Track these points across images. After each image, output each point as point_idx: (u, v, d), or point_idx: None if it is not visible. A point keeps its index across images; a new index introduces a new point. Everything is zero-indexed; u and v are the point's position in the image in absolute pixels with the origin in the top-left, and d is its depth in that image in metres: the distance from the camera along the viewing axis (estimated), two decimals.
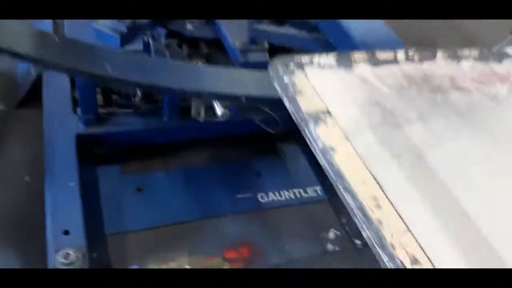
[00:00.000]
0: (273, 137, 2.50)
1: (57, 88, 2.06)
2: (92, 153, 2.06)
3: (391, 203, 0.77)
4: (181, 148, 2.28)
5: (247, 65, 1.61)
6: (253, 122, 2.03)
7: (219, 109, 1.62)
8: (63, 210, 1.64)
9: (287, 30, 1.89)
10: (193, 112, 1.74)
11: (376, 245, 0.69)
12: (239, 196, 2.17)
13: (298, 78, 1.05)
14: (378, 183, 0.80)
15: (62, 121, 1.95)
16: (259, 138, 2.44)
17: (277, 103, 1.04)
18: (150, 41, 1.69)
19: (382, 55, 1.17)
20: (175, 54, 1.68)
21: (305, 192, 2.30)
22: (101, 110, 2.04)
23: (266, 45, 1.65)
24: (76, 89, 1.92)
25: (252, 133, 2.34)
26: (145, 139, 2.11)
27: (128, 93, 2.06)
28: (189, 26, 1.78)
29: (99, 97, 2.05)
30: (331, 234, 2.14)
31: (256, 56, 1.59)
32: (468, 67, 1.17)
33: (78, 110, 1.96)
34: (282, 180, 2.31)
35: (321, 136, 0.92)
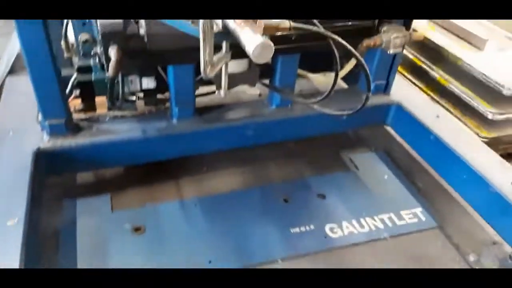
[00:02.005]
0: (336, 141, 1.76)
1: (17, 91, 1.44)
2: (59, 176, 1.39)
3: None
4: (197, 164, 1.55)
5: None
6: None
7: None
8: None
9: None
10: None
11: None
12: (294, 230, 1.37)
13: None
14: None
15: (17, 132, 1.30)
16: (316, 144, 1.69)
17: None
18: None
19: None
20: None
21: (400, 218, 1.46)
22: (78, 116, 1.37)
23: None
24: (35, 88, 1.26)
25: (306, 136, 1.59)
26: (145, 153, 1.40)
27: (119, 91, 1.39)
28: None
29: (75, 101, 1.39)
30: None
31: None
32: None
33: (40, 116, 1.30)
34: (360, 203, 1.50)
35: None
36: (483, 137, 1.68)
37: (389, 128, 1.72)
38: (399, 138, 1.72)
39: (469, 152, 1.40)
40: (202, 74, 0.86)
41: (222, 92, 1.00)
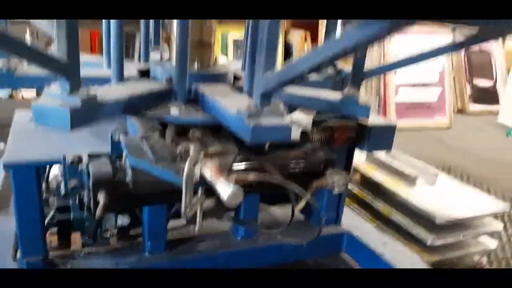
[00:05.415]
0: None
1: None
2: None
3: None
4: None
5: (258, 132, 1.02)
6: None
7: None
8: None
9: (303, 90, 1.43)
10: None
11: None
12: None
13: None
14: None
15: None
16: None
17: None
18: (121, 137, 1.23)
19: None
20: (157, 147, 1.16)
21: None
22: (54, 253, 1.44)
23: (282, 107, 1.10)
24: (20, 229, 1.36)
25: (270, 264, 1.71)
26: None
27: (95, 228, 1.50)
28: (174, 111, 1.29)
29: (52, 237, 1.48)
30: None
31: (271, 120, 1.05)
32: None
33: (18, 254, 1.37)
34: None
35: None
36: (427, 261, 1.86)
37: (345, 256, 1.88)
38: (355, 264, 1.87)
39: None
40: (182, 216, 1.02)
41: (196, 227, 1.16)
